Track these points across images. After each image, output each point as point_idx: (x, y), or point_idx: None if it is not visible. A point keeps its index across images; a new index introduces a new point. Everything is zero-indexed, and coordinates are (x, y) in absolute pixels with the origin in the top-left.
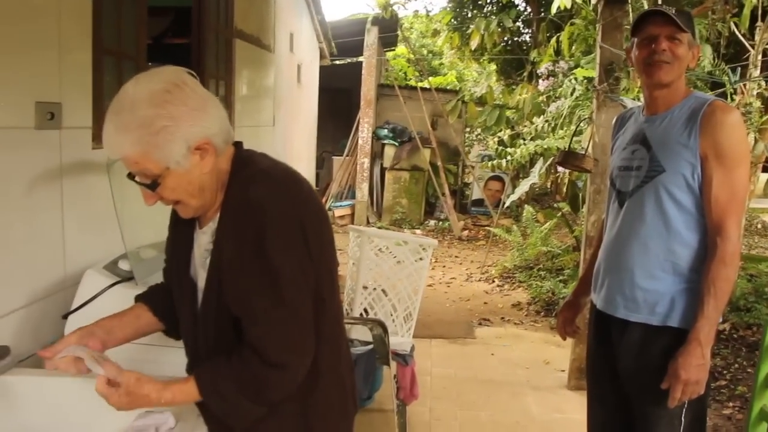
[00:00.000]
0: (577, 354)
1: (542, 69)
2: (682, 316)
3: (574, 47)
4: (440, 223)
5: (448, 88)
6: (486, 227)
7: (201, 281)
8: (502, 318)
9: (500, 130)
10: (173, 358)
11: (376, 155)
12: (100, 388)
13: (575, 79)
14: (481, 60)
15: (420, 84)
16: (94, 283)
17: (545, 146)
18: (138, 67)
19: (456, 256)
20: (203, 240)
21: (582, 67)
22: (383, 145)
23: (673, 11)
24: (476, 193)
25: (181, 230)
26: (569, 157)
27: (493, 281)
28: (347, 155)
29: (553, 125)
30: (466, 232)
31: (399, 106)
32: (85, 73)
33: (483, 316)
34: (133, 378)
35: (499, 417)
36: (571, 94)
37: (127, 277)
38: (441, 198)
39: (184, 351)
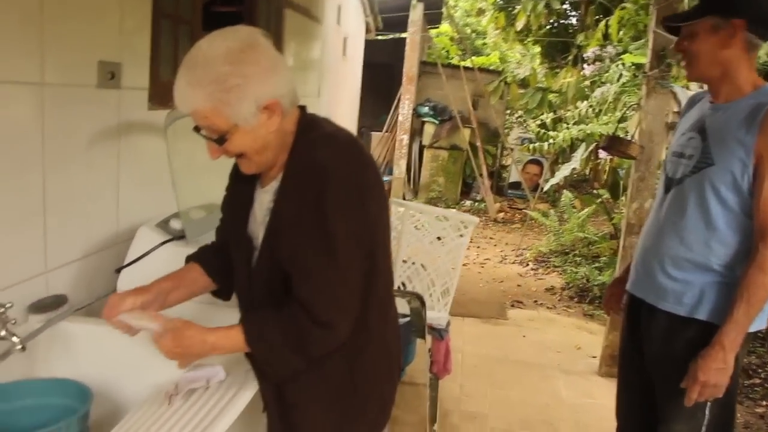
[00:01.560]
0: (609, 341)
1: (589, 53)
2: (711, 309)
3: (622, 32)
4: (476, 203)
5: (490, 68)
6: (522, 210)
7: (258, 239)
8: (535, 301)
9: (542, 113)
10: (224, 317)
11: (416, 132)
12: (154, 338)
13: (623, 64)
14: (526, 41)
15: (462, 63)
16: (147, 240)
17: (588, 131)
18: (193, 32)
19: (491, 238)
20: (265, 199)
21: (630, 53)
22: (423, 122)
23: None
24: (514, 175)
25: (241, 189)
26: (615, 143)
27: (527, 264)
28: (386, 131)
29: (597, 111)
30: (501, 214)
31: (440, 84)
32: (143, 35)
33: (516, 298)
34: (180, 322)
35: (529, 398)
36: (618, 80)
37: (179, 236)
38: (478, 178)
39: (239, 307)
